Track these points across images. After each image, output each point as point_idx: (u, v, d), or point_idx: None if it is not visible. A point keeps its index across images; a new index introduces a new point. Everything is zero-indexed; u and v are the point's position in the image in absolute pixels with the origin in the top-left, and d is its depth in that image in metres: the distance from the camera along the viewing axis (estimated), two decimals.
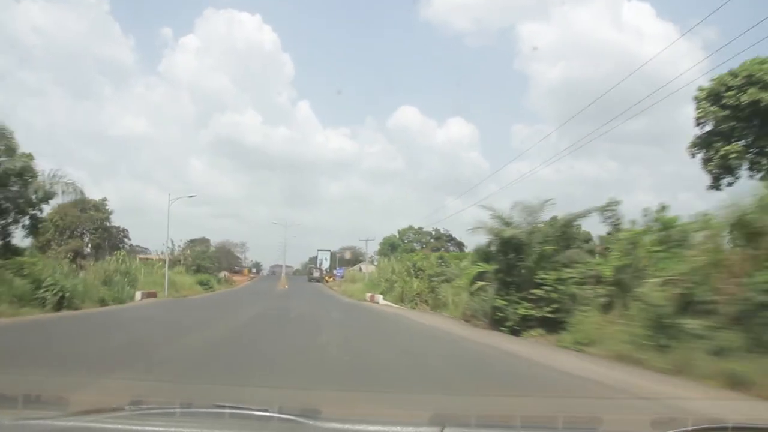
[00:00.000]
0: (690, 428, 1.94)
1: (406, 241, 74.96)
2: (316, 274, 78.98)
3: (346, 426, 1.84)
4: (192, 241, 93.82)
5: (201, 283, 27.23)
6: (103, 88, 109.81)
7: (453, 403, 5.29)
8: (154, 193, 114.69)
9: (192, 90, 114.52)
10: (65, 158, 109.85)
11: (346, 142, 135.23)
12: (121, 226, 68.77)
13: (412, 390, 5.69)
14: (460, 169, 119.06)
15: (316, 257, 72.23)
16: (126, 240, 68.14)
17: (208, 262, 38.99)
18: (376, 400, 5.05)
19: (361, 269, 64.95)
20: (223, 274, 57.79)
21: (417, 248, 70.65)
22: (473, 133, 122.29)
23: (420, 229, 74.19)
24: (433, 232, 72.47)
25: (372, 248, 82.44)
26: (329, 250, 75.07)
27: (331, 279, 68.57)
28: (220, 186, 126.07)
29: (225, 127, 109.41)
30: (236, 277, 78.70)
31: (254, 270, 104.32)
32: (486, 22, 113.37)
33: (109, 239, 50.51)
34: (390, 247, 72.28)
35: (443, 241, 52.39)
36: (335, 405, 4.42)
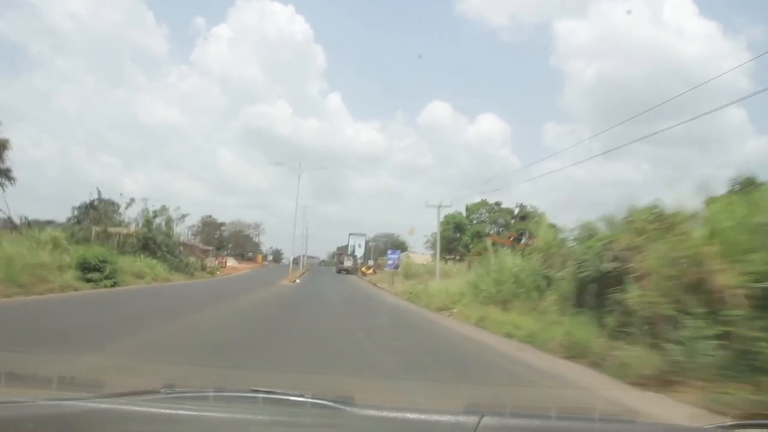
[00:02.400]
0: (728, 423, 1.80)
1: (475, 222, 65.17)
2: (348, 263, 66.85)
3: (383, 413, 1.80)
4: (206, 221, 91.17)
5: (85, 268, 17.68)
6: (136, 77, 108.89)
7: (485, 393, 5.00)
8: (184, 182, 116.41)
9: (223, 80, 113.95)
10: (98, 145, 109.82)
11: (376, 136, 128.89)
12: None
13: None
14: (490, 167, 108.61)
15: (347, 245, 69.49)
16: None
17: (163, 236, 32.38)
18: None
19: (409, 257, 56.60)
20: (207, 259, 51.07)
21: (492, 232, 62.36)
22: (505, 130, 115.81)
23: (497, 204, 62.33)
24: (517, 210, 61.00)
25: (417, 233, 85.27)
26: (363, 234, 71.92)
27: (371, 271, 58.52)
28: (250, 177, 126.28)
29: (255, 118, 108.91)
30: (242, 264, 72.92)
31: (270, 257, 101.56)
32: (522, 17, 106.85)
33: None
34: (455, 228, 62.37)
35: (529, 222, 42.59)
36: (368, 392, 4.40)
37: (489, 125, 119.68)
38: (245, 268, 60.34)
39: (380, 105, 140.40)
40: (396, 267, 39.78)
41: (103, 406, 1.66)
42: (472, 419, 1.60)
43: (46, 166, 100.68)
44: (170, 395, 1.79)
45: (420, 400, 4.38)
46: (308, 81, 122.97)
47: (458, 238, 62.02)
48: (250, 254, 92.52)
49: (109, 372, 4.70)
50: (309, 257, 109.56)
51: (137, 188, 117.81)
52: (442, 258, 43.97)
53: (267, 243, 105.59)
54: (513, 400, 4.63)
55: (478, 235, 62.05)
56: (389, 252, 49.15)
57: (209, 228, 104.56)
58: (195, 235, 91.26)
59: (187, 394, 1.83)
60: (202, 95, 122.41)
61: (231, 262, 71.56)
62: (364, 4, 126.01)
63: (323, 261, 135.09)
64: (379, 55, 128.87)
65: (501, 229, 60.07)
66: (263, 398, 1.72)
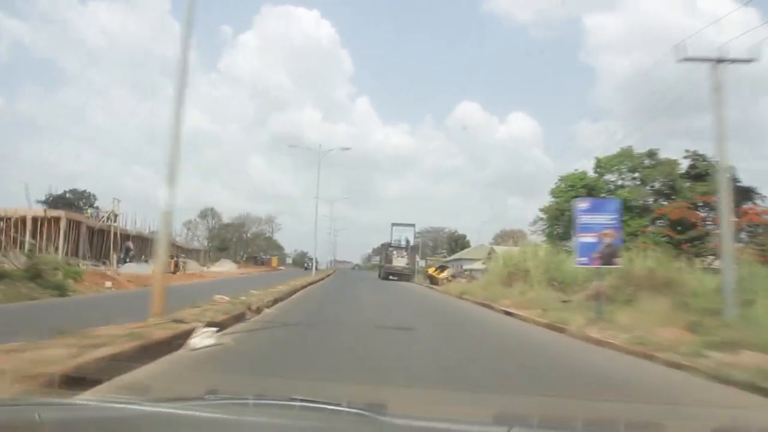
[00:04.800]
0: None
1: (613, 186, 44.09)
2: (401, 262, 48.77)
3: (414, 422, 2.03)
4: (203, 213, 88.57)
5: None
6: (165, 87, 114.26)
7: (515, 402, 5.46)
8: (216, 190, 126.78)
9: (251, 87, 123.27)
10: (133, 156, 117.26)
11: (406, 139, 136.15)
12: None
13: None
14: (522, 167, 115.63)
15: (388, 243, 53.46)
16: None
17: None
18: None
19: (492, 254, 43.32)
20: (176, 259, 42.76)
21: (649, 201, 42.43)
22: (536, 129, 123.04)
23: (653, 155, 42.94)
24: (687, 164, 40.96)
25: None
26: (412, 225, 58.24)
27: (445, 276, 41.41)
28: (281, 183, 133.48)
29: (285, 125, 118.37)
30: (241, 270, 63.52)
31: (289, 260, 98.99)
32: (550, 12, 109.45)
33: None
34: (587, 191, 41.26)
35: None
36: (401, 400, 4.58)
37: (520, 124, 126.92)
38: (235, 273, 50.29)
39: (409, 108, 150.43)
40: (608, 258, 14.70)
41: (152, 409, 1.88)
42: (501, 430, 1.75)
43: (80, 179, 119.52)
44: (214, 401, 2.02)
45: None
46: (336, 86, 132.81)
47: None
48: (263, 256, 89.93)
49: None
50: (338, 262, 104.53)
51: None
52: (556, 240, 34.29)
53: (292, 245, 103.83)
54: None
55: (626, 207, 41.47)
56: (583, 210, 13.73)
57: (211, 223, 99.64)
58: (189, 230, 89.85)
59: (229, 401, 2.06)
60: (230, 103, 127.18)
61: (224, 266, 63.98)
62: (389, 6, 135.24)
63: (357, 266, 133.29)
64: (406, 56, 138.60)
65: (660, 198, 41.23)
66: (300, 406, 1.92)
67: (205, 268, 55.43)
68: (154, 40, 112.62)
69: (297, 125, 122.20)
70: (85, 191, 66.65)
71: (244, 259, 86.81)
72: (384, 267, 49.16)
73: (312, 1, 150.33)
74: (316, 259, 49.91)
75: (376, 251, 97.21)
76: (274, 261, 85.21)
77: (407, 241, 52.50)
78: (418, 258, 55.02)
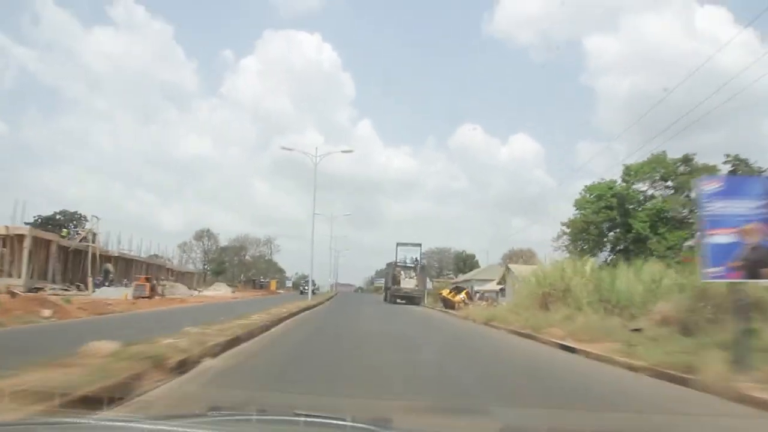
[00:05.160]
0: None
1: (643, 196, 40.43)
2: (409, 284, 45.48)
3: None
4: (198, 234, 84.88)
5: None
6: (168, 111, 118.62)
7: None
8: (220, 215, 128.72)
9: (253, 111, 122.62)
10: (135, 181, 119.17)
11: (408, 161, 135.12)
12: None
13: None
14: (525, 188, 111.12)
15: (395, 262, 49.76)
16: None
17: None
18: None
19: (507, 276, 41.91)
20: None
21: (684, 211, 38.40)
22: (538, 150, 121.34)
23: (688, 161, 39.31)
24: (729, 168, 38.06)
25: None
26: (419, 245, 54.50)
27: (461, 299, 37.21)
28: (284, 207, 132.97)
29: (287, 146, 77.24)
30: (238, 293, 61.85)
31: (289, 284, 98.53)
32: (551, 34, 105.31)
33: None
34: (618, 201, 38.06)
35: None
36: (406, 416, 4.09)
37: (521, 146, 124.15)
38: (227, 298, 48.09)
39: (411, 130, 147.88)
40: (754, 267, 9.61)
41: (154, 427, 1.83)
42: None
43: (84, 204, 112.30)
44: (217, 418, 1.99)
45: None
46: (338, 109, 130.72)
47: (618, 222, 38.72)
48: (262, 279, 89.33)
49: None
50: (340, 285, 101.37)
51: (174, 221, 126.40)
52: (581, 256, 29.00)
53: (294, 268, 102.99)
54: None
55: (660, 218, 37.65)
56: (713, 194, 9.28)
57: (207, 245, 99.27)
58: (185, 252, 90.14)
59: (232, 417, 2.04)
60: (232, 127, 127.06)
61: (219, 289, 62.36)
62: (390, 29, 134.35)
63: (360, 288, 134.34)
64: (407, 78, 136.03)
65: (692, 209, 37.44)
66: (305, 421, 1.92)
67: (195, 292, 53.82)
68: (156, 64, 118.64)
69: (299, 147, 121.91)
70: (75, 212, 64.49)
71: (242, 282, 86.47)
72: (390, 289, 46.36)
73: (313, 25, 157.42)
74: (312, 280, 45.92)
75: (380, 273, 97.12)
76: (273, 284, 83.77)
77: (416, 261, 49.38)
78: (427, 279, 51.66)
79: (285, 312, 20.09)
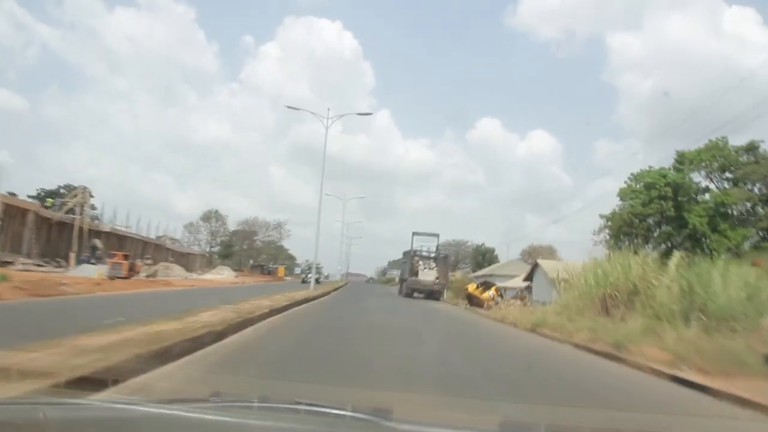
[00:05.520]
0: None
1: (700, 186, 36.55)
2: (428, 277, 41.33)
3: (421, 428, 2.08)
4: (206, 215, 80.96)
5: None
6: (187, 95, 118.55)
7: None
8: (235, 200, 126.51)
9: (272, 97, 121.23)
10: (152, 163, 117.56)
11: (426, 153, 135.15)
12: None
13: None
14: (541, 184, 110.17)
15: (413, 251, 44.78)
16: None
17: None
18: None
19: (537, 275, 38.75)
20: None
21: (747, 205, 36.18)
22: (555, 146, 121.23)
23: (756, 146, 35.11)
24: None
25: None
26: (436, 235, 50.20)
27: (490, 296, 32.53)
28: (299, 194, 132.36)
29: (304, 135, 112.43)
30: (247, 278, 60.58)
31: (298, 270, 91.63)
32: (574, 30, 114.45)
33: None
34: (672, 192, 33.94)
35: None
36: (407, 407, 4.35)
37: (540, 142, 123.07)
38: (226, 282, 44.83)
39: (429, 122, 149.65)
40: None
41: (156, 411, 1.87)
42: None
43: (100, 184, 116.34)
44: (218, 403, 2.03)
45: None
46: (357, 98, 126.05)
47: (671, 216, 34.13)
48: (271, 265, 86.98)
49: None
50: (351, 274, 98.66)
51: (189, 205, 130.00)
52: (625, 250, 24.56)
53: (306, 255, 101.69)
54: None
55: (720, 213, 33.47)
56: None
57: (214, 226, 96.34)
58: (191, 233, 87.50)
59: (233, 403, 2.07)
60: (251, 113, 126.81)
61: (221, 273, 60.01)
62: (411, 19, 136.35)
63: (371, 278, 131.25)
64: (427, 70, 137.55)
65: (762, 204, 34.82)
66: (305, 410, 1.94)
67: (194, 275, 51.92)
68: (177, 47, 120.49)
69: (316, 136, 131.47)
70: (81, 186, 60.93)
71: (250, 267, 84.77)
72: (407, 281, 41.91)
73: (335, 12, 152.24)
74: (318, 267, 43.04)
75: (394, 264, 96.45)
76: (281, 270, 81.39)
77: (438, 250, 45.61)
78: (449, 272, 47.55)
79: (285, 302, 16.37)
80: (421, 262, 40.49)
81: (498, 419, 2.27)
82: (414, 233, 45.04)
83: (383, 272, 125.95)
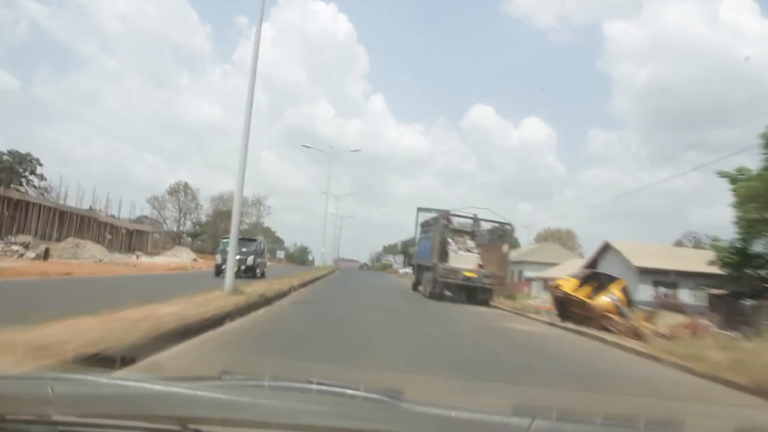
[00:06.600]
0: None
1: None
2: (469, 263, 24.46)
3: (432, 410, 1.95)
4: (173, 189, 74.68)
5: None
6: (179, 76, 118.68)
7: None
8: (226, 182, 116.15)
9: (265, 80, 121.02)
10: (144, 144, 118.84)
11: (419, 139, 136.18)
12: None
13: None
14: (534, 172, 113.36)
15: (439, 218, 26.11)
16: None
17: None
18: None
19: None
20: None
21: None
22: (550, 135, 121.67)
23: None
24: None
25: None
26: (446, 212, 28.71)
27: (611, 306, 16.00)
28: (291, 178, 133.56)
29: (297, 119, 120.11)
30: (198, 264, 52.27)
31: (281, 255, 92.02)
32: (571, 18, 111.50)
33: None
34: None
35: None
36: (419, 388, 4.59)
37: (533, 130, 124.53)
38: (165, 268, 39.16)
39: (423, 107, 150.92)
40: None
41: (165, 389, 1.86)
42: (523, 421, 1.71)
43: (91, 164, 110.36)
44: (229, 382, 2.10)
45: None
46: (351, 82, 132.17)
47: None
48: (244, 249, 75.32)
49: None
50: (343, 260, 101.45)
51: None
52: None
53: (296, 239, 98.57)
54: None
55: None
56: None
57: (182, 201, 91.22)
58: (155, 208, 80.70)
59: (244, 382, 2.12)
60: (244, 95, 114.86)
61: (178, 255, 55.53)
62: (407, 4, 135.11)
63: (365, 265, 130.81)
64: (422, 55, 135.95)
65: None
66: (317, 389, 1.96)
67: (123, 257, 44.31)
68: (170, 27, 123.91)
69: (310, 119, 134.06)
70: (28, 154, 58.97)
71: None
72: (436, 269, 24.62)
73: None
74: (256, 240, 31.29)
75: (389, 249, 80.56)
76: None
77: (476, 222, 27.73)
78: (508, 254, 26.70)
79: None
80: (456, 240, 25.95)
81: (510, 402, 2.10)
82: (419, 209, 31.23)
83: (377, 258, 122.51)
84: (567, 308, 17.43)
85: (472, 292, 23.82)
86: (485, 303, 23.34)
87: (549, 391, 5.37)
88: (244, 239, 28.63)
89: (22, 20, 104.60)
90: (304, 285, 23.50)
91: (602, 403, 4.99)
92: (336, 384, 1.97)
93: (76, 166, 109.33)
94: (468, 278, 22.82)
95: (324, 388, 1.94)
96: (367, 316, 15.75)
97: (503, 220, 25.63)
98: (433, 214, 28.68)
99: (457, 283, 23.65)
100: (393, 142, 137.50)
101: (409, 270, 40.83)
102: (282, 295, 17.06)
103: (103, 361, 3.58)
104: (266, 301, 14.33)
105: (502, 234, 26.08)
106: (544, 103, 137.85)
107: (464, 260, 23.84)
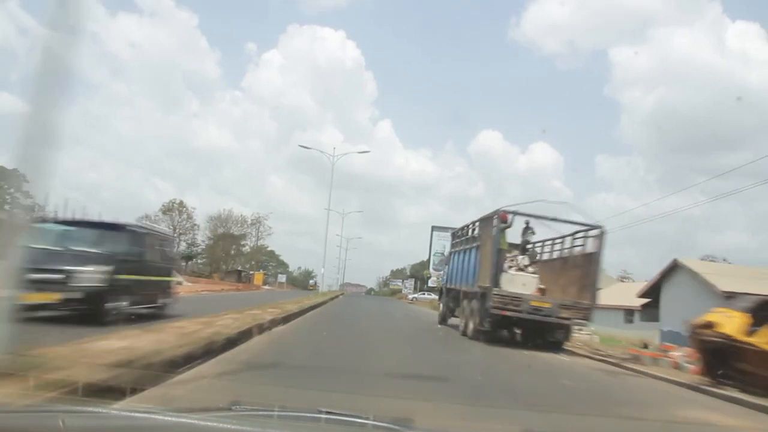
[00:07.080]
0: None
1: None
2: (529, 288, 17.02)
3: None
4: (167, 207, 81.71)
5: None
6: (189, 101, 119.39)
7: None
8: (234, 206, 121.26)
9: (273, 106, 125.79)
10: (153, 169, 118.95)
11: (427, 165, 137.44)
12: None
13: None
14: (541, 197, 74.61)
15: (491, 218, 16.82)
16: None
17: None
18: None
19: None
20: None
21: None
22: (557, 160, 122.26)
23: None
24: None
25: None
26: (508, 211, 19.37)
27: None
28: (298, 203, 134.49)
29: (305, 144, 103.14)
30: (205, 286, 48.01)
31: (282, 279, 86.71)
32: (578, 44, 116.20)
33: None
34: None
35: None
36: (428, 415, 4.20)
37: (541, 155, 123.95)
38: None
39: (431, 133, 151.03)
40: None
41: (175, 420, 1.87)
42: None
43: (101, 189, 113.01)
44: (239, 412, 2.06)
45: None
46: (359, 108, 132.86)
47: None
48: (248, 272, 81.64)
49: None
50: (349, 285, 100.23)
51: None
52: None
53: (300, 262, 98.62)
54: None
55: None
56: None
57: (177, 220, 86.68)
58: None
59: (254, 412, 2.09)
60: (252, 120, 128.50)
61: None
62: (414, 30, 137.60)
63: (371, 290, 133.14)
64: (430, 81, 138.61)
65: None
66: (326, 418, 1.94)
67: None
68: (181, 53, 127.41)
69: (318, 145, 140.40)
70: (14, 170, 53.70)
71: (227, 272, 75.67)
72: (489, 297, 16.03)
73: (338, 22, 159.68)
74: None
75: (396, 274, 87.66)
76: (258, 278, 70.40)
77: (528, 229, 18.79)
78: (597, 272, 17.42)
79: None
80: (517, 257, 18.41)
81: (520, 428, 2.29)
82: (434, 227, 31.72)
83: (385, 282, 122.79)
84: (725, 362, 11.14)
85: (540, 331, 17.01)
86: (558, 346, 16.89)
87: (560, 416, 4.98)
88: (75, 223, 12.90)
89: (35, 47, 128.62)
90: (284, 320, 14.82)
91: (614, 429, 4.98)
92: (345, 413, 1.93)
93: (86, 191, 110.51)
94: (537, 309, 16.00)
95: (333, 417, 1.90)
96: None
97: (590, 222, 17.96)
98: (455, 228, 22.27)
99: (521, 317, 16.24)
100: (400, 168, 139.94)
101: (420, 295, 39.30)
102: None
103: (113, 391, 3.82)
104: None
105: (587, 242, 17.55)
106: (552, 129, 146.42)
107: (521, 283, 17.24)
